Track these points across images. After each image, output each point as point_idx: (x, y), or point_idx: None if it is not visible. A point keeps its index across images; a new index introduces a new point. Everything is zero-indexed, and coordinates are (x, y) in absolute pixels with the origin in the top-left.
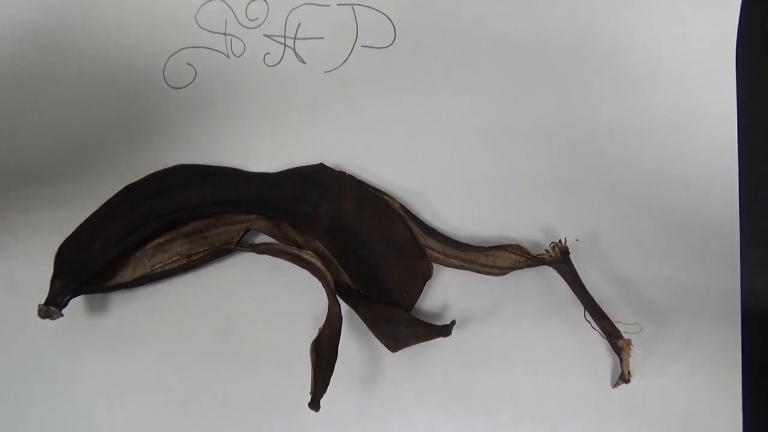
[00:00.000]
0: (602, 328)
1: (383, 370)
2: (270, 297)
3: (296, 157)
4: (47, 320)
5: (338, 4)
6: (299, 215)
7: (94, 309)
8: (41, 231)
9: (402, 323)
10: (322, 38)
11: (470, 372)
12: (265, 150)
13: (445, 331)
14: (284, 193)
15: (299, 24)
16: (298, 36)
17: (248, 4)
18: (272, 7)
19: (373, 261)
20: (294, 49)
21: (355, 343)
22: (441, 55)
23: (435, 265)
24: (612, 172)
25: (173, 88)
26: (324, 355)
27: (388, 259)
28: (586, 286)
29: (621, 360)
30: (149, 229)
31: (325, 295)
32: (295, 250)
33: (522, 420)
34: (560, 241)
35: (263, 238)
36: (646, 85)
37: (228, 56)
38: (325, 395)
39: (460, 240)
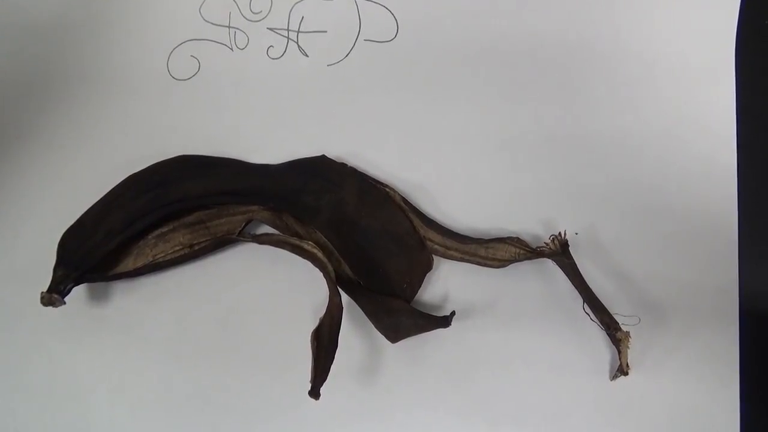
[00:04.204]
0: (601, 321)
1: (383, 361)
2: (271, 287)
3: (298, 148)
4: (50, 308)
5: None
6: (301, 206)
7: (96, 297)
8: (44, 219)
9: (402, 314)
10: (325, 32)
11: (469, 364)
12: (267, 141)
13: (445, 322)
14: (286, 184)
15: (302, 17)
16: (301, 29)
17: None
18: (276, 0)
19: (374, 252)
20: (297, 43)
21: (355, 334)
22: (443, 50)
23: (435, 257)
24: (612, 167)
25: (177, 79)
26: (324, 345)
27: (388, 250)
28: (585, 278)
29: (619, 352)
30: (151, 218)
31: (326, 286)
32: (296, 241)
33: (520, 412)
34: (560, 234)
35: (265, 229)
36: (646, 82)
37: (231, 49)
38: (325, 385)
39: (461, 232)
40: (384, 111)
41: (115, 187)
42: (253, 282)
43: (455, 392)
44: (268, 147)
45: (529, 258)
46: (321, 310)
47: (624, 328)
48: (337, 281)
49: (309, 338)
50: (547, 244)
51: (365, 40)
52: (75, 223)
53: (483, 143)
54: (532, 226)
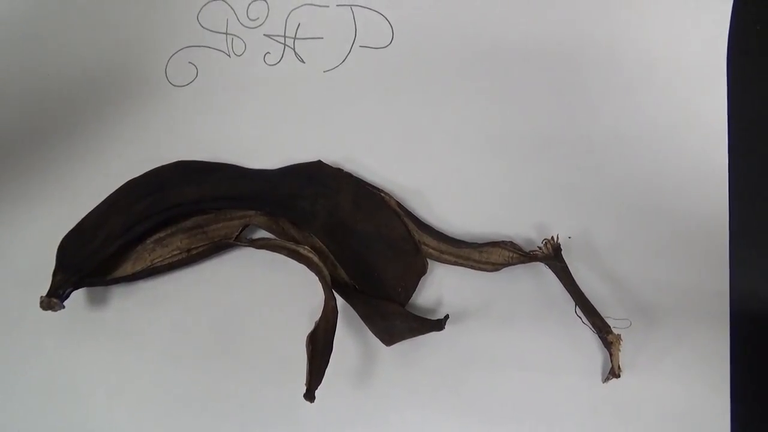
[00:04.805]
0: (593, 324)
1: (378, 364)
2: (268, 291)
3: (295, 154)
4: (49, 312)
5: (337, 5)
6: (297, 211)
7: (95, 302)
8: (44, 224)
9: (397, 317)
10: (322, 38)
11: (463, 367)
12: (264, 147)
13: (439, 325)
14: (282, 189)
15: (299, 24)
16: (297, 36)
17: (249, 5)
18: (273, 7)
19: (369, 257)
20: (294, 49)
21: (350, 337)
22: (438, 56)
23: (430, 261)
24: (605, 171)
25: (175, 86)
26: (319, 348)
27: (383, 254)
28: (577, 282)
29: (611, 355)
30: (150, 223)
31: (322, 290)
32: (292, 246)
33: (514, 414)
34: (552, 238)
35: (261, 234)
36: (639, 86)
37: (229, 55)
38: (320, 388)
39: (455, 236)
40: (379, 116)
41: (113, 192)
42: (249, 286)
43: (449, 395)
44: (265, 152)
45: (523, 262)
46: (316, 313)
47: (615, 331)
48: (332, 285)
49: (304, 342)
50: (540, 248)
51: (361, 46)
52: (74, 227)
53: (477, 148)
54: (526, 230)
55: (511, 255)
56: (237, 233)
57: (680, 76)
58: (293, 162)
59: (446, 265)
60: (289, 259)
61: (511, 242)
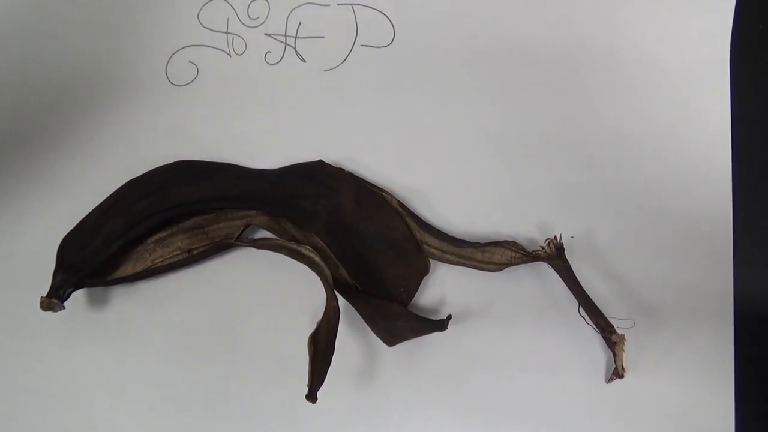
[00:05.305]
0: (596, 324)
1: (380, 365)
2: (269, 291)
3: (296, 153)
4: (49, 312)
5: (338, 4)
6: (298, 211)
7: (96, 302)
8: (44, 224)
9: (399, 318)
10: (323, 37)
11: (466, 367)
12: (265, 147)
13: (441, 325)
14: (284, 189)
15: (300, 23)
16: (298, 35)
17: (250, 4)
18: (273, 6)
19: (371, 256)
20: (294, 48)
21: (352, 337)
22: (439, 55)
23: (432, 261)
24: (607, 170)
25: (175, 85)
26: (321, 348)
27: (385, 254)
28: (580, 282)
29: (615, 355)
30: (150, 223)
31: (323, 290)
32: (293, 245)
33: (517, 415)
34: (555, 237)
35: (263, 234)
36: (641, 85)
37: (229, 54)
38: (322, 389)
39: (457, 236)
40: (381, 115)
41: (114, 192)
42: (251, 286)
43: (452, 395)
44: (266, 152)
45: (525, 261)
46: (318, 314)
47: (619, 331)
48: (334, 285)
49: (306, 342)
50: (542, 247)
51: (362, 45)
52: (74, 228)
53: (479, 147)
54: (528, 230)
55: (513, 255)
56: (238, 233)
57: (683, 76)
58: (294, 161)
59: (448, 265)
60: (291, 259)
61: (514, 242)
